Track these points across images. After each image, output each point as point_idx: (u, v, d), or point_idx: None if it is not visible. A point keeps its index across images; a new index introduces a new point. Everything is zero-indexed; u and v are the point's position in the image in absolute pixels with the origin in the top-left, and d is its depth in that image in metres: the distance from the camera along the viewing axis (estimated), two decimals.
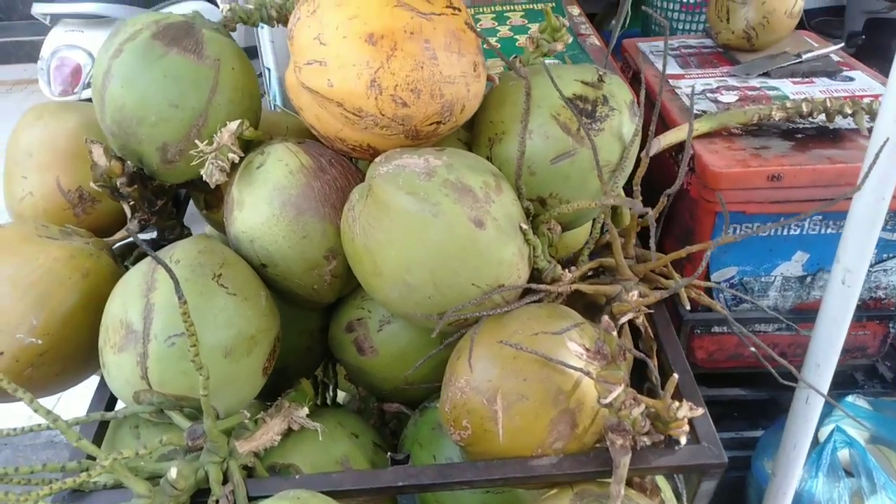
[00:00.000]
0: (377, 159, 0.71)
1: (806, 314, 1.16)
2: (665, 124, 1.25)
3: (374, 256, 0.65)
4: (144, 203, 0.79)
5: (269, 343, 0.70)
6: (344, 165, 0.76)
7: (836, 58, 1.61)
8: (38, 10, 2.19)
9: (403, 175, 0.64)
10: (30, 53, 5.01)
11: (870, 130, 0.85)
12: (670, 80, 1.54)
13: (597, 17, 2.62)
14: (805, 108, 1.21)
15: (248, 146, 0.76)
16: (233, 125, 0.72)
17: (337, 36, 0.66)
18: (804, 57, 1.60)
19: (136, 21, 0.73)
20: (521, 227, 0.67)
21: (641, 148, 0.78)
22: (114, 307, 0.65)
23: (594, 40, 1.51)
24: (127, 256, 0.86)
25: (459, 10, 0.72)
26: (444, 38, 0.68)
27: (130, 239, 0.81)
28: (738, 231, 1.32)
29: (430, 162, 0.65)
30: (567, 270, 0.70)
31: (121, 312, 0.64)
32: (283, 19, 0.87)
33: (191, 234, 0.89)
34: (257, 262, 0.73)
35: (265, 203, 0.71)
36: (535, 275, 0.71)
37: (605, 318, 0.58)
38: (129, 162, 0.74)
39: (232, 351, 0.64)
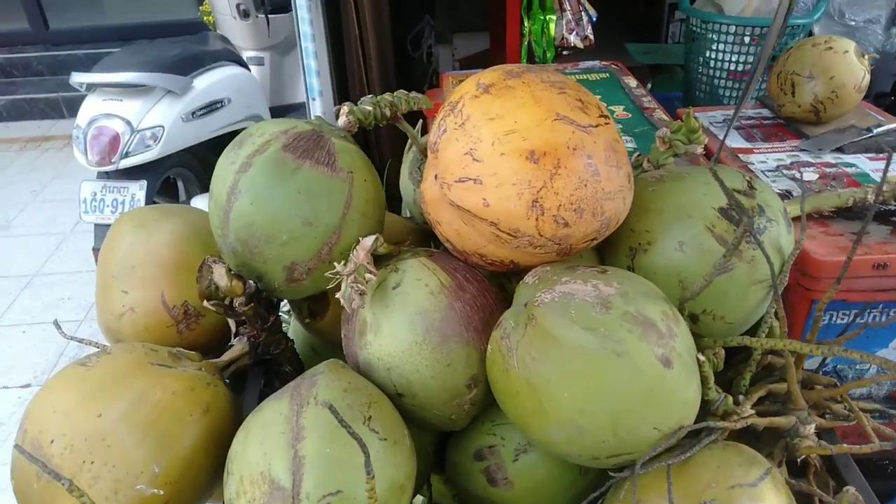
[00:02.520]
0: (529, 280, 0.65)
1: None
2: None
3: (538, 394, 0.59)
4: (257, 320, 0.72)
5: (412, 486, 0.62)
6: (479, 281, 0.70)
7: None
8: (76, 79, 2.16)
9: (575, 306, 0.58)
10: (44, 111, 5.02)
11: None
12: (739, 155, 1.50)
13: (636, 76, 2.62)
14: None
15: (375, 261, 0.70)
16: (367, 242, 0.66)
17: (493, 152, 0.61)
18: (875, 131, 1.57)
19: (261, 131, 0.68)
20: (698, 360, 0.60)
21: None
22: (252, 455, 0.58)
23: (661, 115, 1.48)
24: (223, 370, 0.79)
25: (608, 119, 0.67)
26: (603, 151, 0.63)
27: (234, 356, 0.74)
28: (833, 319, 1.26)
29: (602, 290, 0.59)
30: (738, 403, 0.64)
31: (261, 463, 0.56)
32: (392, 116, 0.82)
33: (294, 346, 0.82)
34: (393, 391, 0.66)
35: (406, 329, 0.64)
36: (704, 407, 0.64)
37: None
38: (249, 281, 0.68)
39: None
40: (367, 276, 0.65)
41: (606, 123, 0.66)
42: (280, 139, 0.67)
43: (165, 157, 2.22)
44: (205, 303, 0.70)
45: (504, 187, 0.61)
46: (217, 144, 2.67)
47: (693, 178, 0.73)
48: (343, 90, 2.00)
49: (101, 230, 2.16)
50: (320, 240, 0.66)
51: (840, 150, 1.54)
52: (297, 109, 3.18)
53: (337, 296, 0.65)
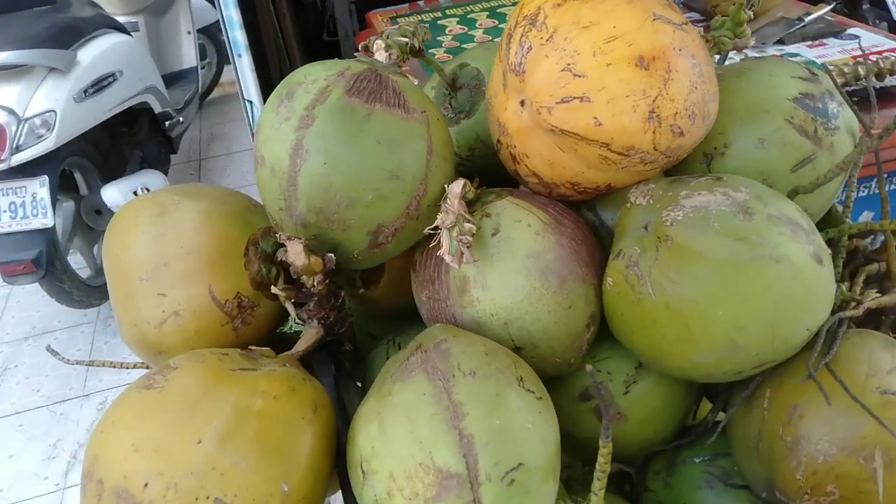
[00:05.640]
0: (641, 201, 0.60)
1: None
2: None
3: (684, 319, 0.55)
4: (330, 298, 0.63)
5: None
6: (569, 213, 0.64)
7: (829, 18, 1.65)
8: None
9: (715, 217, 0.54)
10: None
11: None
12: None
13: None
14: (861, 72, 1.22)
15: None
16: (457, 188, 0.58)
17: (597, 64, 0.55)
18: (807, 20, 1.62)
19: (311, 76, 0.57)
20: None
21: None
22: (400, 447, 0.50)
23: None
24: None
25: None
26: (701, 50, 0.59)
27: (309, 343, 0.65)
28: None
29: (734, 196, 0.56)
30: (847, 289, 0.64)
31: (419, 453, 0.49)
32: (419, 48, 0.73)
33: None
34: (510, 346, 0.60)
35: (520, 276, 0.58)
36: None
37: None
38: (329, 255, 0.58)
39: (555, 469, 0.52)
40: (467, 225, 0.58)
41: (690, 21, 0.62)
42: (339, 83, 0.56)
43: (62, 146, 1.93)
44: (274, 289, 0.60)
45: (617, 101, 0.55)
46: (112, 125, 2.38)
47: (756, 72, 0.70)
48: (259, 46, 1.81)
49: (3, 240, 1.87)
50: (408, 194, 0.57)
51: (781, 41, 1.58)
52: (187, 76, 2.89)
53: (439, 253, 0.57)
